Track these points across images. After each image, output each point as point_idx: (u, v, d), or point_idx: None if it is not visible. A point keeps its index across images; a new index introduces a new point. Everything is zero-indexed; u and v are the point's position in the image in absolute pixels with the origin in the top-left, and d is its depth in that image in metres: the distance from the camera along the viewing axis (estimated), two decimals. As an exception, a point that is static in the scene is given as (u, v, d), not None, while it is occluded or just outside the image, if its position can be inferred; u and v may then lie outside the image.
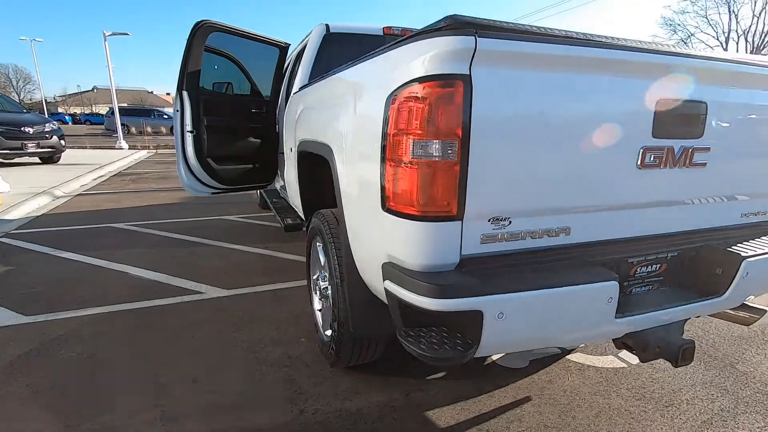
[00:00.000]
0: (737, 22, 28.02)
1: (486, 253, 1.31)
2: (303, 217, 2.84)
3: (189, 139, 3.43)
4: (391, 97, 1.26)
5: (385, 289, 1.34)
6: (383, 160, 1.31)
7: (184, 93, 3.36)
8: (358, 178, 1.54)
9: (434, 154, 1.18)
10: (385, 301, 1.60)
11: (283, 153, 4.16)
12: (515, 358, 2.42)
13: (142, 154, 14.86)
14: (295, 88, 3.24)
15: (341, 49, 3.32)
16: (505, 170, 1.24)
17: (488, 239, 1.30)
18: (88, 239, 4.60)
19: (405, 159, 1.23)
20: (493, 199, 1.26)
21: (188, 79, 3.34)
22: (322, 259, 2.31)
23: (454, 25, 1.13)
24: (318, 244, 2.38)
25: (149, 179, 9.11)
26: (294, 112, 2.88)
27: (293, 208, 4.07)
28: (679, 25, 30.11)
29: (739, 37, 27.96)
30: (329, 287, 2.21)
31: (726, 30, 28.24)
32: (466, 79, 1.14)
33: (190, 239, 4.64)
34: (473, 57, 1.13)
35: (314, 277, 2.58)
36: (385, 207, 1.33)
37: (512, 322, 1.22)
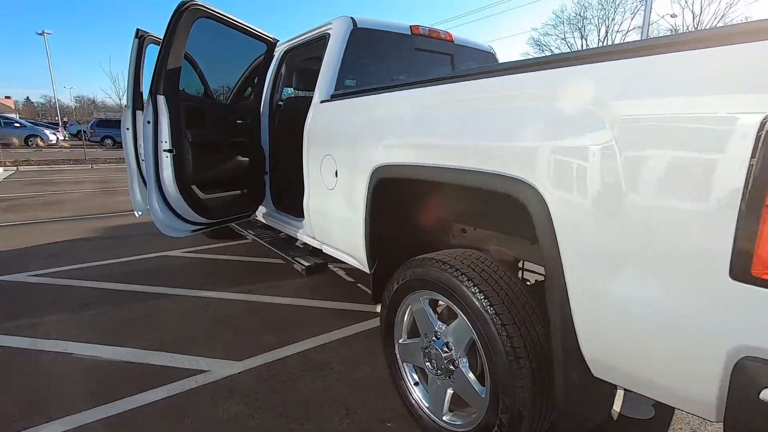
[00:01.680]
0: (587, 45, 33.17)
1: None
2: (365, 260, 2.20)
3: (167, 160, 2.50)
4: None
5: (761, 399, 0.89)
6: (753, 209, 0.87)
7: (161, 98, 2.43)
8: (634, 231, 1.06)
9: None
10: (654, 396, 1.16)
11: (268, 173, 3.40)
12: (643, 405, 2.13)
13: (-1, 172, 11.78)
14: (320, 94, 2.57)
15: (367, 48, 2.75)
16: None
17: None
18: (-21, 305, 3.20)
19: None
20: None
21: (166, 79, 2.42)
22: (438, 324, 1.76)
23: None
24: (424, 299, 1.81)
25: (30, 207, 7.08)
26: (343, 122, 2.23)
27: (291, 242, 3.32)
28: (544, 45, 34.57)
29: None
30: (459, 361, 1.67)
31: (579, 52, 33.12)
32: None
33: (136, 289, 3.52)
34: None
35: (402, 340, 1.99)
36: (746, 276, 0.89)
37: None
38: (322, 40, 2.84)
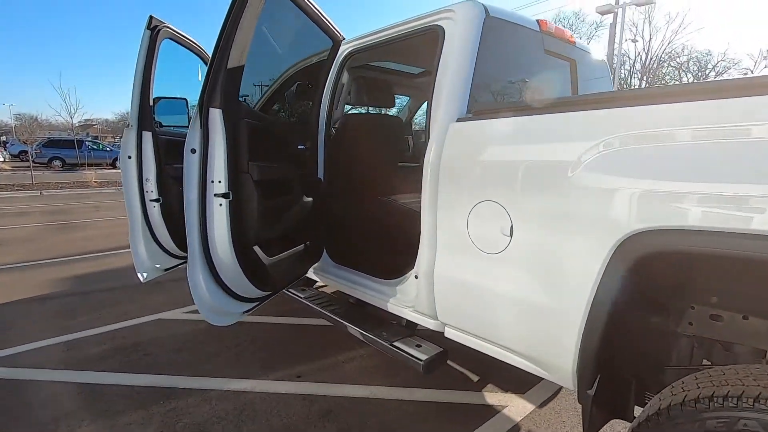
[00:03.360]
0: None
1: None
2: (570, 372, 1.38)
3: (221, 210, 1.57)
4: None
5: None
6: None
7: (216, 114, 1.52)
8: None
9: None
10: None
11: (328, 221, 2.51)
12: None
13: None
14: (450, 110, 1.75)
15: (497, 43, 1.98)
16: None
17: None
18: None
19: None
20: None
21: (226, 84, 1.52)
22: None
23: None
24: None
25: (-38, 249, 5.66)
26: (533, 153, 1.42)
27: (361, 310, 2.43)
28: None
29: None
30: None
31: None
32: None
33: (137, 382, 2.47)
34: None
35: None
36: None
37: None
38: (426, 36, 2.05)
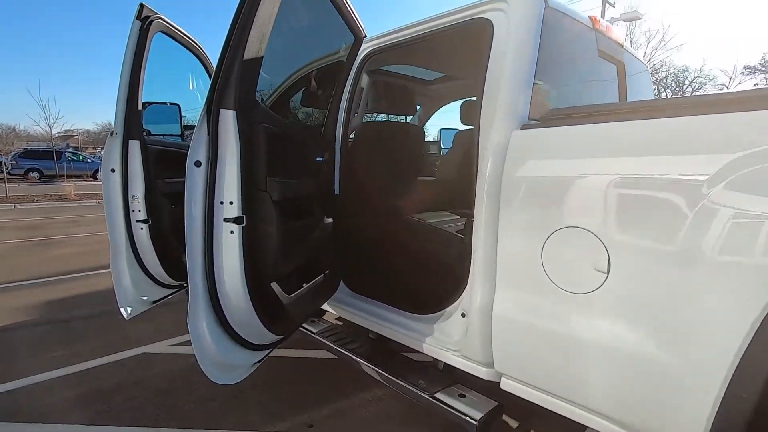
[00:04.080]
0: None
1: None
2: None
3: (232, 238, 1.23)
4: None
5: None
6: None
7: (228, 116, 1.19)
8: None
9: None
10: None
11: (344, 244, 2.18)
12: None
13: None
14: (508, 116, 1.45)
15: (554, 38, 1.70)
16: None
17: None
18: None
19: None
20: None
21: (240, 81, 1.20)
22: None
23: None
24: None
25: None
26: (650, 167, 1.12)
27: (383, 347, 2.10)
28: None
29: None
30: None
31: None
32: None
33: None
34: None
35: None
36: None
37: None
38: (467, 32, 1.76)
